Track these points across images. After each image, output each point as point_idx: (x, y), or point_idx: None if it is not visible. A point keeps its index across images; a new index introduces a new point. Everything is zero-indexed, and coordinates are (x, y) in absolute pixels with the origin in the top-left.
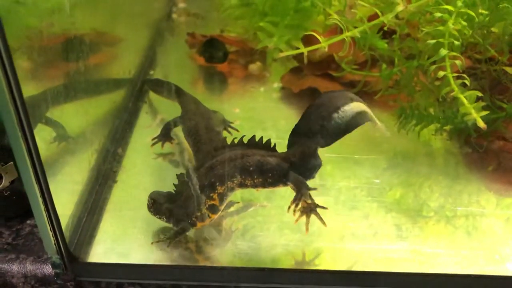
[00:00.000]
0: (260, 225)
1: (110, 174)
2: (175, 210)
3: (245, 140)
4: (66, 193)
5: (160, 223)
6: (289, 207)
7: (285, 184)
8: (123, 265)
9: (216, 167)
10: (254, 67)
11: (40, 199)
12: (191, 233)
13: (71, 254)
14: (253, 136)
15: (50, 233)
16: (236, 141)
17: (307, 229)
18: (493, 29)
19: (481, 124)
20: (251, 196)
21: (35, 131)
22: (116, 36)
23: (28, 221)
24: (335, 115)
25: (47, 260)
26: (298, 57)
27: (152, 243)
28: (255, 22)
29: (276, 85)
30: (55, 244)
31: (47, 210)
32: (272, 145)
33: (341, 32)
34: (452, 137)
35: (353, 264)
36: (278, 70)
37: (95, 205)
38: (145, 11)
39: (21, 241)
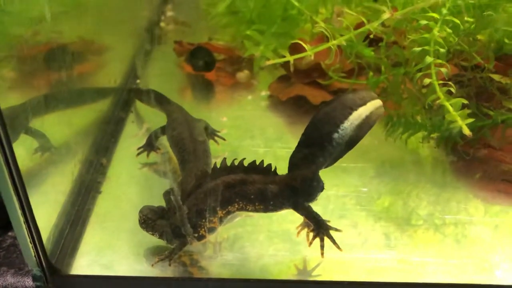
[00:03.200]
0: (247, 235)
1: (94, 184)
2: (169, 228)
3: (245, 164)
4: (47, 204)
5: (145, 234)
6: (299, 231)
7: (287, 208)
8: (106, 277)
9: (217, 191)
10: (242, 75)
11: (19, 211)
12: None
13: (53, 267)
14: (254, 161)
15: (30, 245)
16: (236, 162)
17: (322, 253)
18: (479, 37)
19: (467, 131)
20: None
21: (18, 142)
22: (102, 45)
23: (10, 233)
24: (335, 135)
25: (28, 273)
26: (286, 65)
27: (152, 264)
28: (242, 30)
29: (264, 93)
30: (35, 256)
31: (26, 222)
32: (273, 169)
33: (328, 40)
34: (439, 145)
35: (343, 274)
36: (266, 78)
37: (78, 216)
38: (132, 20)
39: (2, 253)
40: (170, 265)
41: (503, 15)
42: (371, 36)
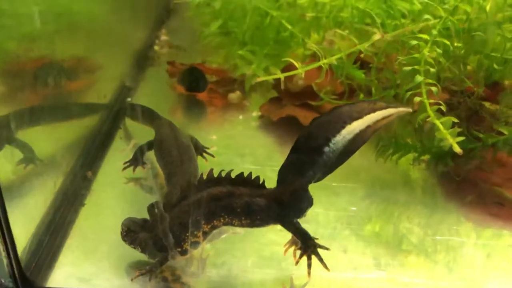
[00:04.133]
0: (233, 252)
1: (78, 197)
2: (152, 241)
3: (233, 175)
4: (26, 215)
5: (127, 248)
6: (286, 249)
7: (274, 223)
8: None
9: (202, 204)
10: (234, 96)
11: None
12: None
13: (26, 279)
14: (241, 173)
15: (3, 255)
16: (223, 174)
17: (309, 273)
18: (468, 67)
19: (457, 149)
20: None
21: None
22: (94, 63)
23: None
24: (326, 149)
25: (1, 285)
26: (278, 87)
27: (132, 279)
28: (235, 51)
29: (255, 113)
30: (8, 267)
31: (1, 231)
32: (261, 181)
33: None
34: (429, 167)
35: None
36: (258, 100)
37: (58, 228)
38: (125, 41)
39: None
40: (150, 280)
41: (492, 39)
42: (362, 55)
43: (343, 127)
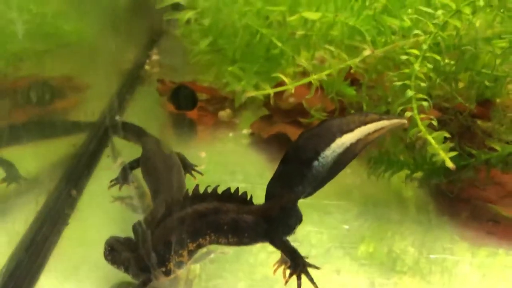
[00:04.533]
0: (221, 272)
1: (61, 216)
2: (135, 260)
3: (219, 191)
4: (3, 234)
5: (111, 268)
6: (276, 269)
7: (263, 241)
8: None
9: (187, 221)
10: (224, 114)
11: None
12: None
13: None
14: (228, 188)
15: None
16: (209, 190)
17: None
18: (460, 85)
19: (449, 164)
20: None
21: None
22: (82, 83)
23: None
24: (315, 163)
25: None
26: (268, 105)
27: None
28: (225, 69)
29: (245, 131)
30: None
31: None
32: (249, 197)
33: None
34: (422, 185)
35: None
36: (248, 118)
37: (39, 248)
38: (115, 61)
39: None
40: None
41: (482, 56)
42: (352, 71)
43: (333, 141)
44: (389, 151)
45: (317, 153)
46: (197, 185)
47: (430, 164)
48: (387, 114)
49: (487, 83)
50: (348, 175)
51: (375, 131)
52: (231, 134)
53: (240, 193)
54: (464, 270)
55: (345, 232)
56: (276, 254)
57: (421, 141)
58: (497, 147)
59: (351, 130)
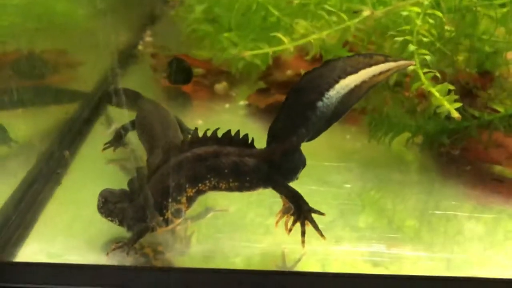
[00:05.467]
0: (220, 227)
1: (53, 175)
2: (130, 211)
3: (219, 135)
4: None
5: (104, 224)
6: (278, 220)
7: (265, 187)
8: (48, 265)
9: (185, 165)
10: (220, 87)
11: None
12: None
13: None
14: (229, 131)
15: None
16: (208, 133)
17: (303, 241)
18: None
19: (455, 114)
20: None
21: None
22: (76, 59)
23: None
24: (319, 103)
25: None
26: (265, 78)
27: (107, 253)
28: (221, 38)
29: (242, 102)
30: None
31: None
32: (250, 140)
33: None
34: (423, 150)
35: (322, 266)
36: (245, 91)
37: (30, 205)
38: (109, 41)
39: None
40: (128, 254)
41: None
42: (350, 39)
43: (337, 82)
44: (390, 114)
45: (321, 94)
46: (196, 129)
47: (432, 124)
48: None
49: (487, 48)
50: (348, 140)
51: (381, 73)
52: (227, 106)
53: (241, 136)
54: (470, 227)
55: (348, 191)
56: (278, 206)
57: (422, 105)
58: (500, 109)
59: (356, 71)
